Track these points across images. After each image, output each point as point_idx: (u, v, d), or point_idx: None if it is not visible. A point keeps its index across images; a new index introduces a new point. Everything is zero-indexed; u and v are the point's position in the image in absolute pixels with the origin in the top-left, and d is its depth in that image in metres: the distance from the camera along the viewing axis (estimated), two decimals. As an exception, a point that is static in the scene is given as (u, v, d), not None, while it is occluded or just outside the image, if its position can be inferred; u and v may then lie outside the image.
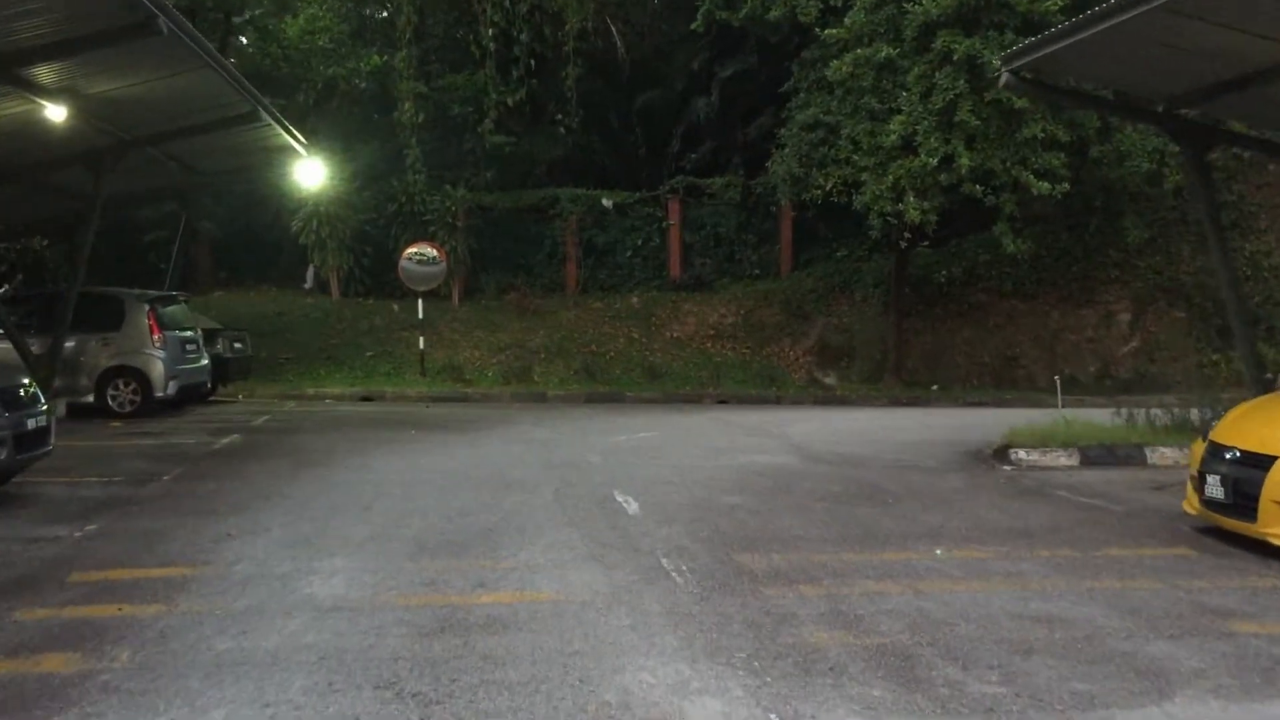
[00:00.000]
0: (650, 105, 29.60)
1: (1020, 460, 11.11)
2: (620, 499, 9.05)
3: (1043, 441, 11.34)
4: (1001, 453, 11.47)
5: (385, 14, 28.28)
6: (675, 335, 23.63)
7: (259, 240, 25.62)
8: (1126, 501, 9.24)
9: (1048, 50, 9.97)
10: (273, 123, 15.29)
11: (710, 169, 27.29)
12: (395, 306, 23.82)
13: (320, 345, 22.31)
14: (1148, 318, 22.62)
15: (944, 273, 23.17)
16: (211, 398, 18.04)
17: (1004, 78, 10.89)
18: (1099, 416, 12.73)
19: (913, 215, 17.58)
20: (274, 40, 25.47)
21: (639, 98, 29.85)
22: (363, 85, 25.39)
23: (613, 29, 29.87)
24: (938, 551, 7.16)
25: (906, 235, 18.51)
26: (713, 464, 11.15)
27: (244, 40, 25.83)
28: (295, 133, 16.76)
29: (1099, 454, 11.18)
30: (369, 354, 21.89)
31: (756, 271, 26.00)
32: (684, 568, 6.67)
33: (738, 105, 27.79)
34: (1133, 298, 22.74)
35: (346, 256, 24.20)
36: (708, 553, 7.08)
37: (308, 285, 25.86)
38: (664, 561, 6.83)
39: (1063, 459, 11.12)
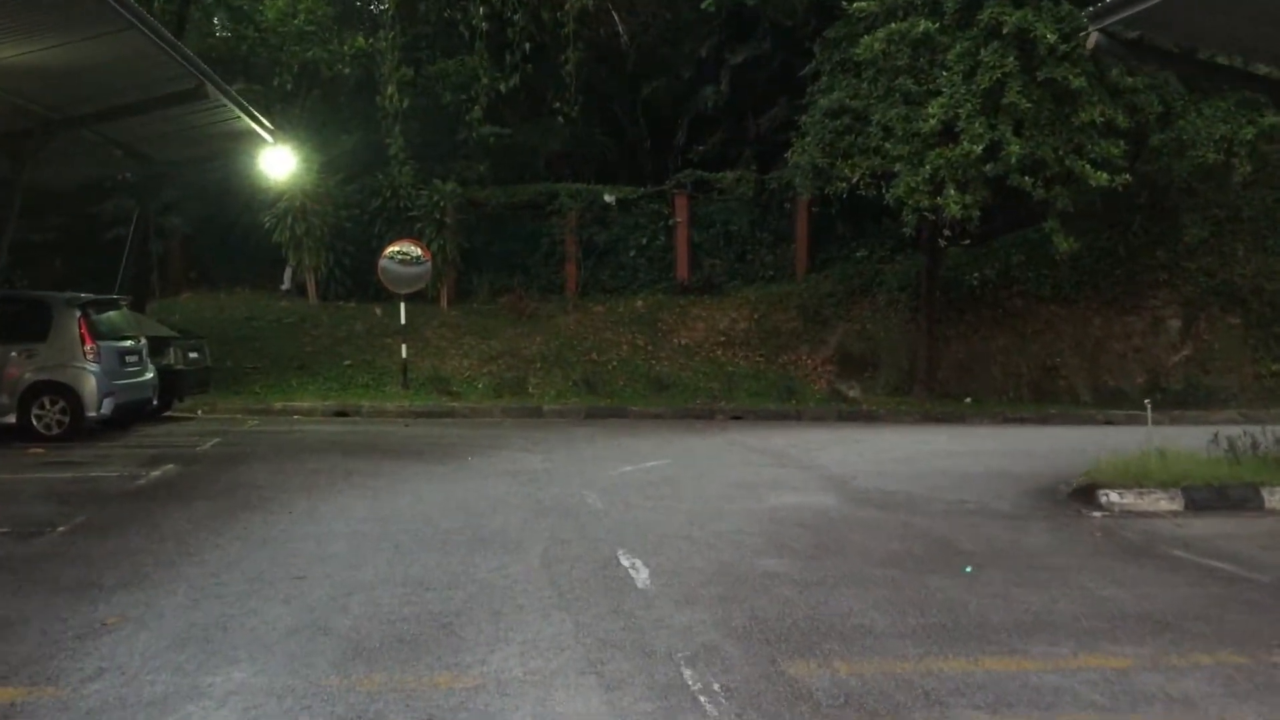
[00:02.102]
0: (656, 94, 27.61)
1: (1112, 504, 9.12)
2: (626, 562, 7.11)
3: (1135, 479, 9.36)
4: (1086, 493, 9.50)
5: (372, -4, 26.33)
6: (683, 342, 21.65)
7: (233, 238, 23.56)
8: (1267, 567, 7.28)
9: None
10: (228, 103, 13.46)
11: (720, 162, 25.28)
12: (378, 310, 21.84)
13: (293, 353, 20.30)
14: (1200, 324, 20.61)
15: (976, 275, 21.17)
16: (166, 413, 16.10)
17: (1093, 38, 8.95)
18: (1183, 439, 10.65)
19: (953, 210, 15.59)
20: (249, 21, 23.55)
21: (644, 87, 27.90)
22: (346, 71, 23.39)
23: (615, 16, 28.02)
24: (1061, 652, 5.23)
25: (946, 233, 16.50)
26: (737, 507, 9.18)
27: (215, 22, 23.83)
28: (259, 117, 14.93)
29: (1206, 496, 9.20)
30: (346, 363, 19.91)
31: (770, 273, 24.02)
32: (716, 686, 4.77)
33: (749, 94, 25.81)
34: (1183, 302, 20.73)
35: (325, 255, 22.24)
36: (746, 658, 5.17)
37: (285, 286, 23.89)
38: (687, 674, 4.92)
39: (1163, 502, 9.14)
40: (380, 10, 24.62)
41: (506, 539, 7.84)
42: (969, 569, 7.10)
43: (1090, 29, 8.99)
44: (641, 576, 6.75)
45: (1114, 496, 9.15)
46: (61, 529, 8.04)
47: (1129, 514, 9.00)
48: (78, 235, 22.29)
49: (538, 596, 6.29)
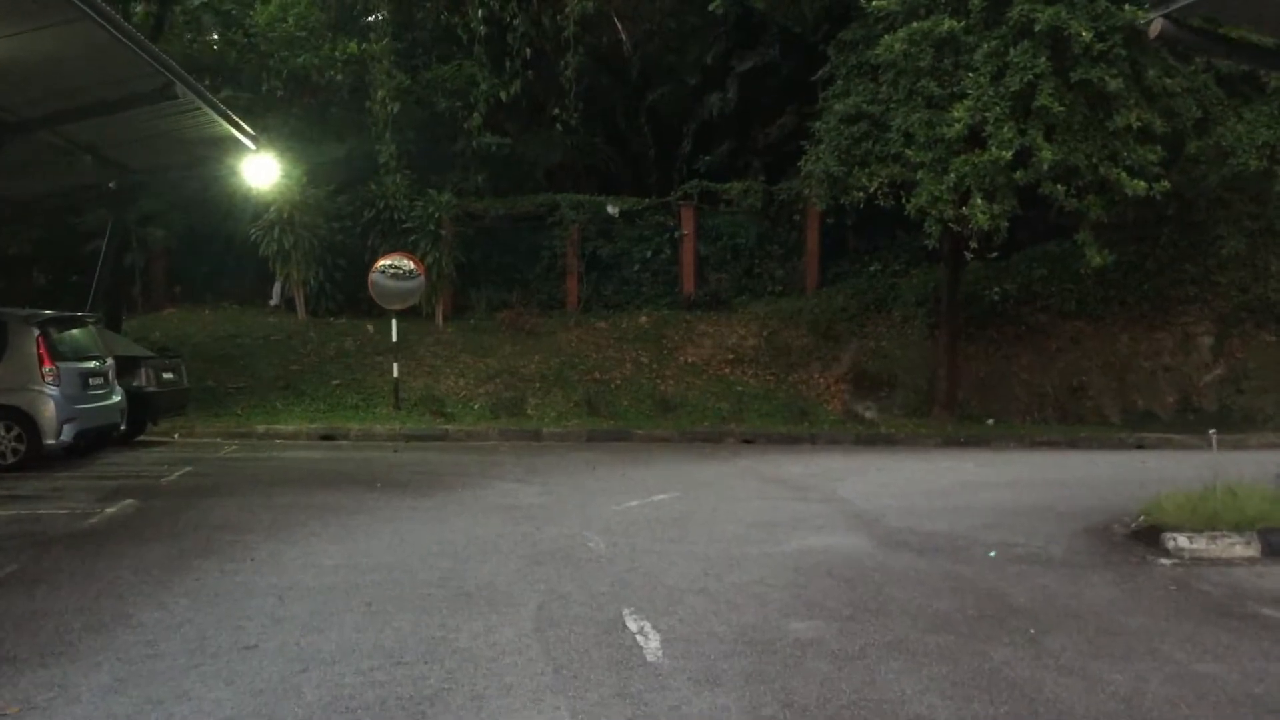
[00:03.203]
0: (660, 102, 26.69)
1: (1181, 550, 8.05)
2: (633, 626, 6.10)
3: (1206, 521, 8.30)
4: (1148, 536, 8.45)
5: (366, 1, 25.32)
6: (689, 360, 20.61)
7: (218, 251, 22.49)
8: (1380, 631, 6.25)
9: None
10: (203, 105, 12.44)
11: (727, 173, 24.30)
12: (370, 327, 20.79)
13: (279, 372, 19.23)
14: (1233, 341, 19.62)
15: (996, 290, 20.17)
16: (139, 438, 15.08)
17: (1157, 25, 7.93)
18: (1235, 468, 9.55)
19: (980, 220, 14.58)
20: (238, 26, 22.60)
21: (648, 95, 26.98)
22: (338, 77, 22.40)
23: (618, 24, 27.13)
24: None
25: (973, 245, 15.49)
26: (757, 552, 8.15)
27: (201, 23, 22.87)
28: (239, 122, 13.95)
29: (1286, 540, 8.17)
30: (335, 383, 18.85)
31: (779, 288, 23.02)
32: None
33: (757, 102, 24.92)
34: (1215, 318, 19.74)
35: (315, 269, 21.21)
36: (787, 774, 4.14)
37: (274, 302, 22.87)
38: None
39: (1238, 547, 8.08)
40: (373, 16, 23.62)
41: (495, 593, 6.82)
42: (1032, 633, 6.08)
43: (1154, 14, 8.00)
44: (652, 645, 5.74)
45: (1183, 541, 8.09)
46: (-13, 581, 7.03)
47: (1201, 562, 7.94)
48: (57, 248, 21.33)
49: (529, 672, 5.29)
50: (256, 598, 6.65)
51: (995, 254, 18.36)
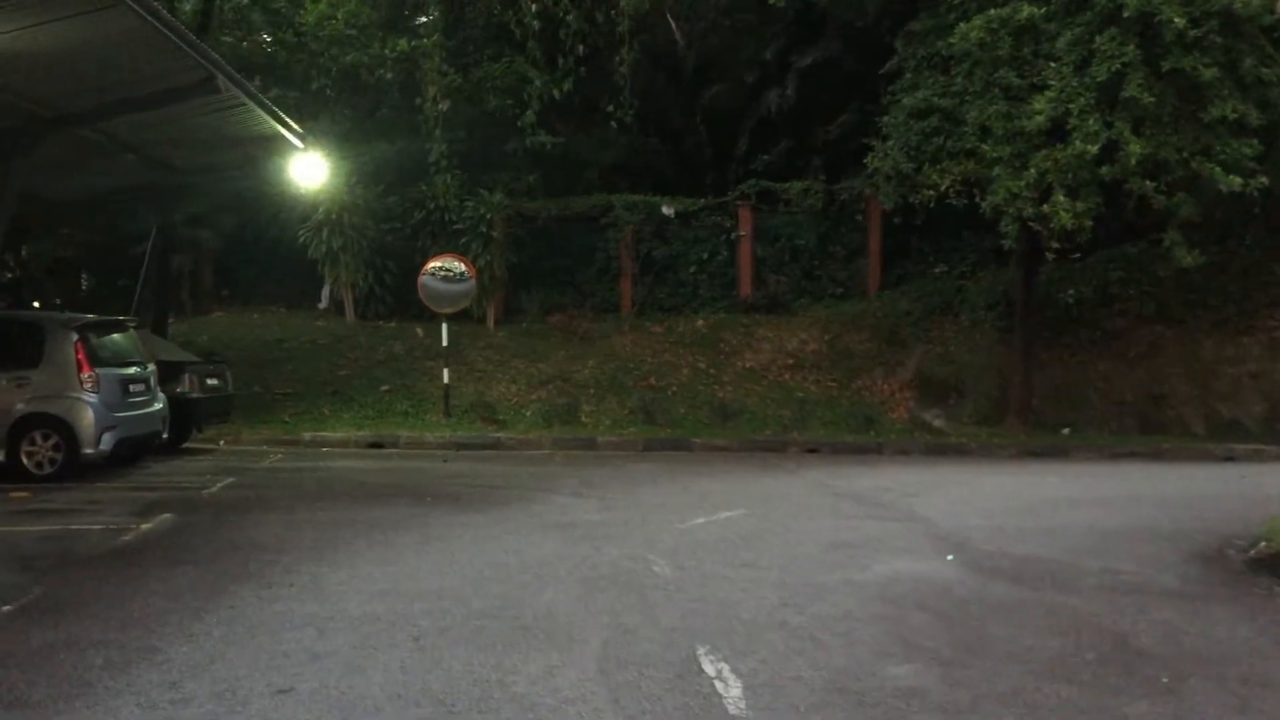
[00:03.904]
0: (716, 101, 25.99)
1: (1313, 580, 7.26)
2: (710, 669, 5.42)
3: (1339, 548, 7.50)
4: (1272, 563, 7.65)
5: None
6: (748, 365, 19.89)
7: (267, 253, 22.18)
8: None
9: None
10: (247, 100, 11.96)
11: (785, 172, 23.52)
12: (419, 330, 20.29)
13: (327, 377, 18.78)
14: (1325, 346, 18.56)
15: (1071, 292, 19.19)
16: (184, 445, 14.64)
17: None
18: None
19: (1063, 218, 13.72)
20: (288, 24, 22.27)
21: (703, 93, 26.31)
22: (388, 75, 21.99)
23: (672, 23, 26.55)
24: None
25: (1055, 245, 14.64)
26: (838, 579, 7.44)
27: (252, 20, 22.56)
28: (286, 119, 13.49)
29: None
30: (384, 388, 18.35)
31: (840, 290, 22.25)
32: None
33: (817, 99, 24.11)
34: (1306, 322, 18.69)
35: (364, 272, 20.77)
36: None
37: (323, 305, 22.48)
38: None
39: (1377, 579, 7.28)
40: (423, 19, 23.20)
41: (554, 626, 6.18)
42: (1166, 682, 5.34)
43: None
44: (733, 694, 5.06)
45: (1314, 570, 7.30)
46: (8, 608, 6.49)
47: (1335, 592, 7.14)
48: (106, 251, 21.09)
49: (596, 729, 4.64)
50: (295, 629, 6.06)
51: (1078, 254, 17.42)
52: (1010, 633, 6.17)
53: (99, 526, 9.04)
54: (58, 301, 21.08)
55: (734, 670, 5.39)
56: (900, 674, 5.41)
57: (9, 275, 20.61)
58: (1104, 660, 5.69)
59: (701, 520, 9.70)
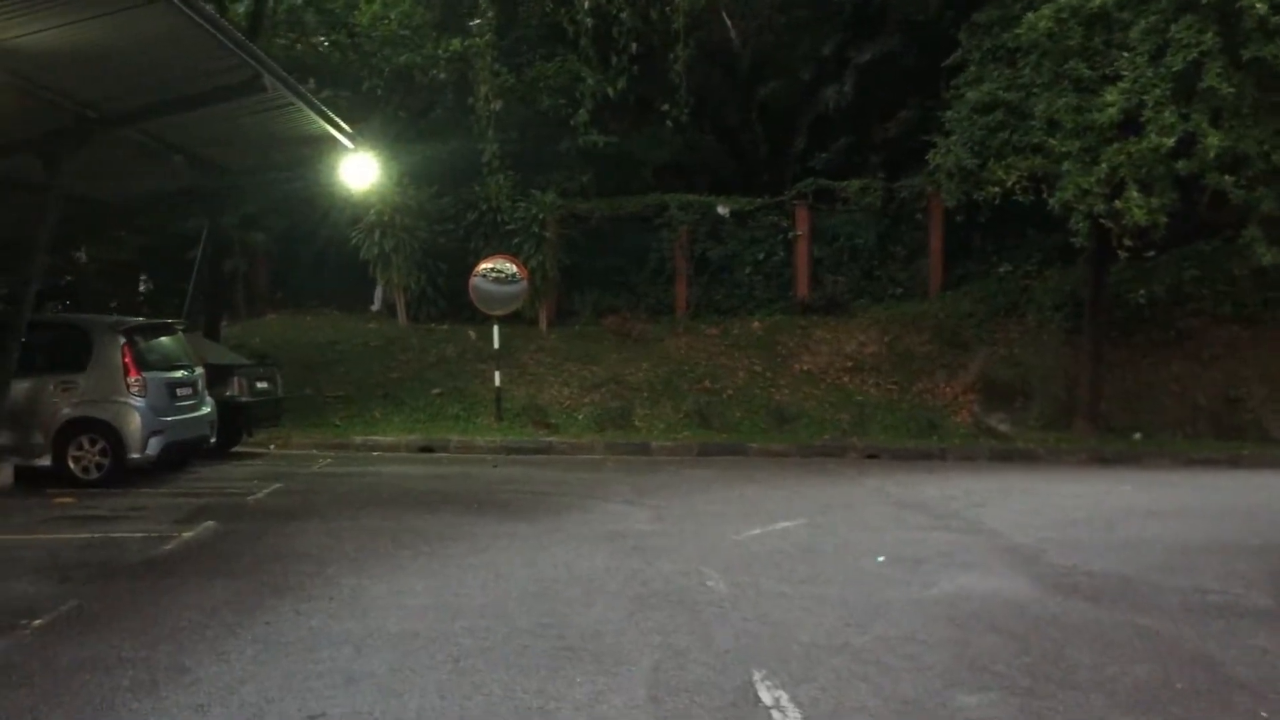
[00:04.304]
0: (772, 97, 25.57)
1: None
2: (767, 697, 5.06)
3: None
4: (1375, 584, 7.12)
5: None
6: (805, 368, 19.41)
7: (320, 255, 22.11)
8: None
9: None
10: (295, 100, 11.77)
11: (844, 170, 22.99)
12: (472, 333, 20.09)
13: (378, 380, 18.62)
14: None
15: (1143, 292, 18.44)
16: (234, 448, 14.52)
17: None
18: None
19: (1137, 215, 13.12)
20: (342, 25, 22.21)
21: (759, 90, 25.88)
22: (441, 75, 21.82)
23: (727, 20, 26.14)
24: None
25: (1128, 242, 14.02)
26: (902, 596, 7.03)
27: (303, 25, 22.53)
28: (335, 119, 13.29)
29: None
30: (436, 391, 18.15)
31: (899, 290, 21.66)
32: None
33: (876, 95, 23.60)
34: (1391, 323, 17.86)
35: (416, 274, 20.61)
36: None
37: (375, 307, 22.37)
38: None
39: None
40: (477, 21, 23.02)
41: (602, 647, 5.84)
42: (1265, 716, 4.88)
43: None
44: (794, 727, 4.70)
45: None
46: (39, 621, 6.30)
47: None
48: (161, 254, 21.13)
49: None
50: (331, 647, 5.79)
51: (1152, 252, 16.77)
52: (1091, 659, 5.73)
53: (140, 534, 8.86)
54: (113, 305, 21.14)
55: (792, 699, 5.03)
56: (972, 704, 5.01)
57: (67, 279, 20.67)
58: (1196, 691, 5.25)
59: (758, 531, 9.32)
